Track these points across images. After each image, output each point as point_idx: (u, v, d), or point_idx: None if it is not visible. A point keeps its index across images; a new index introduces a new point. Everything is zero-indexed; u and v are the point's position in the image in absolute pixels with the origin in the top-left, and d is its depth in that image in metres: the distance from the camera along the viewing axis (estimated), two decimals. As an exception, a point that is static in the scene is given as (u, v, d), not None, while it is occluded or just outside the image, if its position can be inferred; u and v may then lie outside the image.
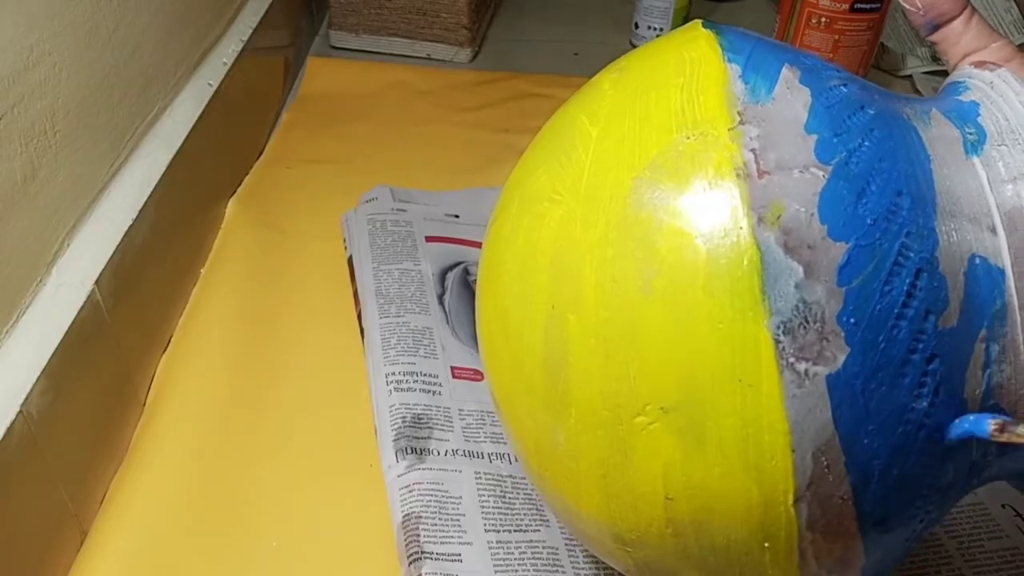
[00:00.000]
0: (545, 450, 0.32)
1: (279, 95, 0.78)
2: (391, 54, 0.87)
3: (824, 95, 0.28)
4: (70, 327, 0.41)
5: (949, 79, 0.33)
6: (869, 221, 0.26)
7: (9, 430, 0.36)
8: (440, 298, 0.55)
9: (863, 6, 0.73)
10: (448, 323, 0.54)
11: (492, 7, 0.95)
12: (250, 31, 0.68)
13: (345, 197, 0.64)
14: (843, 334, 0.25)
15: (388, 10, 0.85)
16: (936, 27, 0.32)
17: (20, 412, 0.37)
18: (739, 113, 0.27)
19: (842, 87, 0.29)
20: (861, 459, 0.26)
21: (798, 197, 0.26)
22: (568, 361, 0.29)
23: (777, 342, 0.26)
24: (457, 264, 0.58)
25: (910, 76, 0.87)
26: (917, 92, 0.84)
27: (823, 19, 0.74)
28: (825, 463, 0.26)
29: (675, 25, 0.88)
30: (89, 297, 0.43)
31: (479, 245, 0.60)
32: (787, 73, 0.29)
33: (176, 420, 0.49)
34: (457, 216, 0.63)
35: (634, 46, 0.91)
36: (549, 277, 0.30)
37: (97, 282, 0.44)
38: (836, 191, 0.26)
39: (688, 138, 0.28)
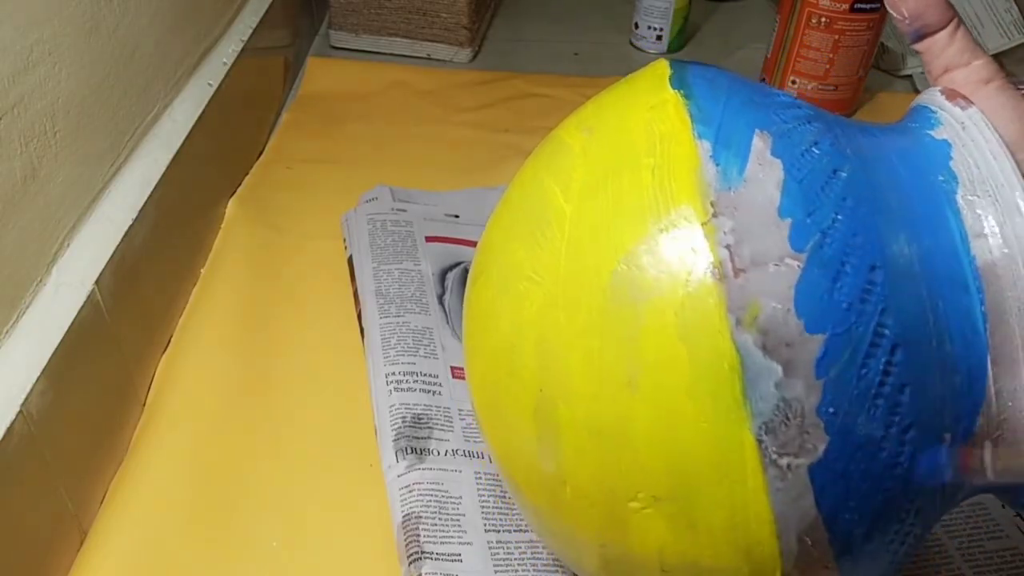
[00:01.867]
0: (544, 510, 0.33)
1: (279, 95, 0.78)
2: (391, 54, 0.87)
3: (796, 165, 0.28)
4: (70, 327, 0.41)
5: (922, 98, 0.32)
6: (844, 306, 0.26)
7: (9, 430, 0.36)
8: (440, 298, 0.55)
9: (863, 6, 0.73)
10: (448, 323, 0.54)
11: (492, 7, 0.95)
12: (250, 31, 0.68)
13: (345, 197, 0.64)
14: (823, 425, 0.26)
15: (388, 10, 0.85)
16: (921, 36, 0.32)
17: (20, 412, 0.37)
18: (712, 204, 0.27)
19: (814, 149, 0.28)
20: (844, 531, 0.27)
21: (774, 294, 0.26)
22: (560, 447, 0.30)
23: (760, 442, 0.26)
24: (457, 264, 0.58)
25: (910, 76, 0.87)
26: (917, 92, 0.84)
27: (823, 19, 0.74)
28: (810, 542, 0.27)
29: (675, 26, 0.88)
30: (89, 297, 0.43)
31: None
32: (758, 143, 0.28)
33: (176, 420, 0.49)
34: (457, 216, 0.63)
35: (634, 46, 0.91)
36: (536, 361, 0.30)
37: (97, 282, 0.44)
38: (811, 281, 0.26)
39: (662, 231, 0.28)
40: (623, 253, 0.28)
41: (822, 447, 0.26)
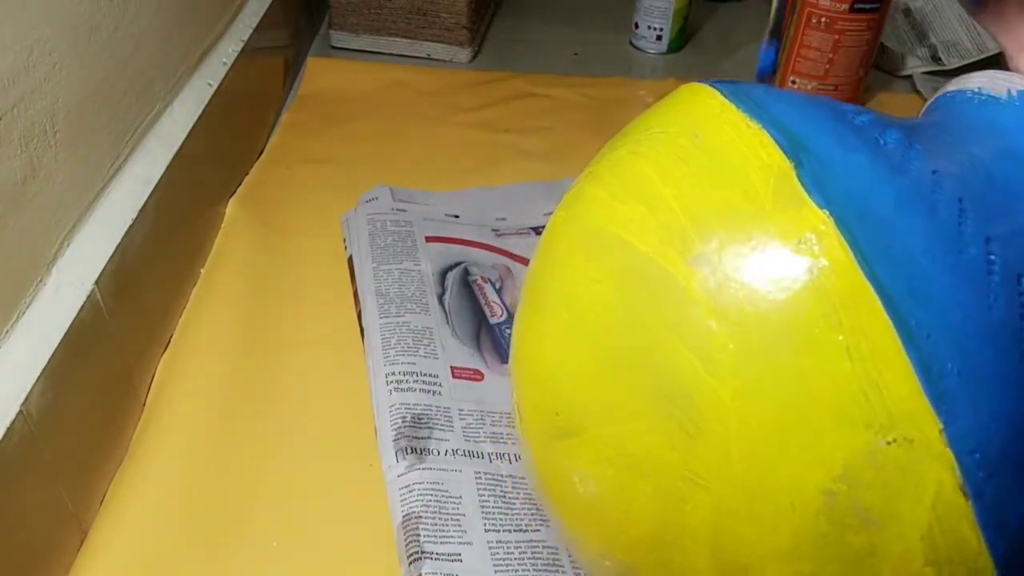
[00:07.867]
0: None
1: (279, 95, 0.78)
2: (391, 54, 0.87)
3: (992, 323, 0.23)
4: (70, 327, 0.41)
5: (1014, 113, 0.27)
6: None
7: (9, 430, 0.36)
8: (440, 298, 0.55)
9: (863, 6, 0.73)
10: (448, 323, 0.54)
11: (492, 7, 0.95)
12: (250, 31, 0.68)
13: (345, 197, 0.64)
14: None
15: (388, 10, 0.85)
16: (982, 3, 0.26)
17: (20, 412, 0.37)
18: (941, 397, 0.23)
19: (996, 271, 0.24)
20: None
21: (1020, 495, 0.24)
22: None
23: None
24: (457, 264, 0.58)
25: (910, 76, 0.87)
26: (917, 92, 0.84)
27: (823, 19, 0.74)
28: None
29: (675, 26, 0.88)
30: (89, 297, 0.43)
31: (479, 245, 0.60)
32: (954, 291, 0.23)
33: (176, 420, 0.49)
34: (457, 216, 0.63)
35: (634, 46, 0.91)
36: (714, 568, 0.27)
37: (97, 282, 0.44)
38: None
39: (888, 443, 0.23)
40: (836, 470, 0.24)
41: None
